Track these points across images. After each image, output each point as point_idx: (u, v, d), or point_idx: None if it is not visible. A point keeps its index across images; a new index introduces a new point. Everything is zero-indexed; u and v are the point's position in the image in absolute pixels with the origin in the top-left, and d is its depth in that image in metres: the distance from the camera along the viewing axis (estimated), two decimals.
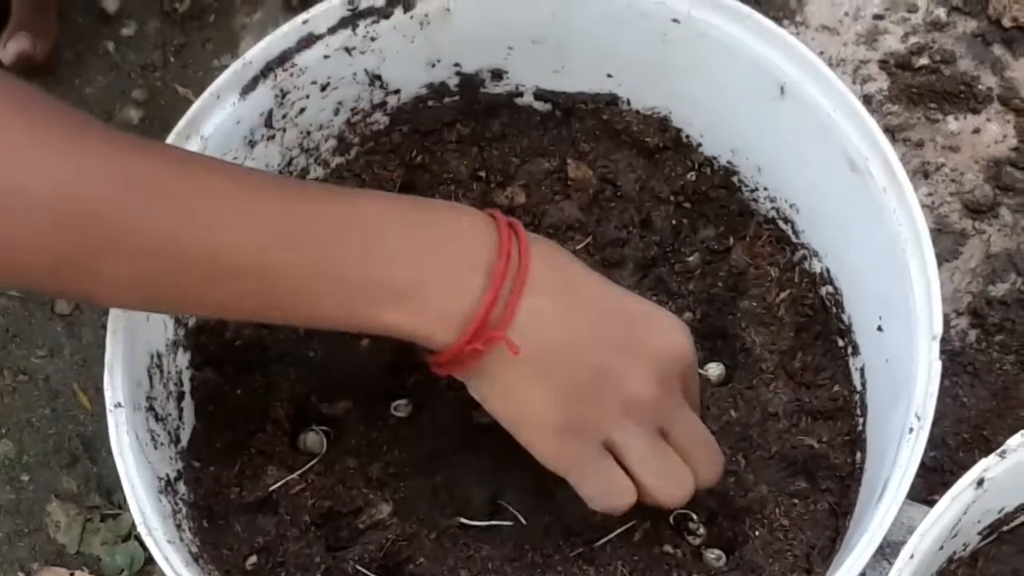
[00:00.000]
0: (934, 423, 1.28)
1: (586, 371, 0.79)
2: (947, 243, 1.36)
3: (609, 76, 0.99)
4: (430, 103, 1.00)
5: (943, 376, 1.29)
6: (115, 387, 0.82)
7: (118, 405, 0.81)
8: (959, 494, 0.81)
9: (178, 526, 0.84)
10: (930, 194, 1.38)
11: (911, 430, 0.81)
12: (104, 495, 1.25)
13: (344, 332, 0.86)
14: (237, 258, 0.73)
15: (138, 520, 0.78)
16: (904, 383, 0.84)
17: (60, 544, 1.25)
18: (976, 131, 1.40)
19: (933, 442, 1.27)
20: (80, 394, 1.27)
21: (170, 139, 0.88)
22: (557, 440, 0.80)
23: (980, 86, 1.40)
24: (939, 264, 1.33)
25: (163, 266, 0.72)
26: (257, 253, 0.73)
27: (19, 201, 0.68)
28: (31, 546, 1.26)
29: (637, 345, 0.81)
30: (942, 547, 0.85)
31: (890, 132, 1.40)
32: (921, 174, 1.39)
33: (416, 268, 0.76)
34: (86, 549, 1.25)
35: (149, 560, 1.22)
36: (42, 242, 0.69)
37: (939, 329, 0.83)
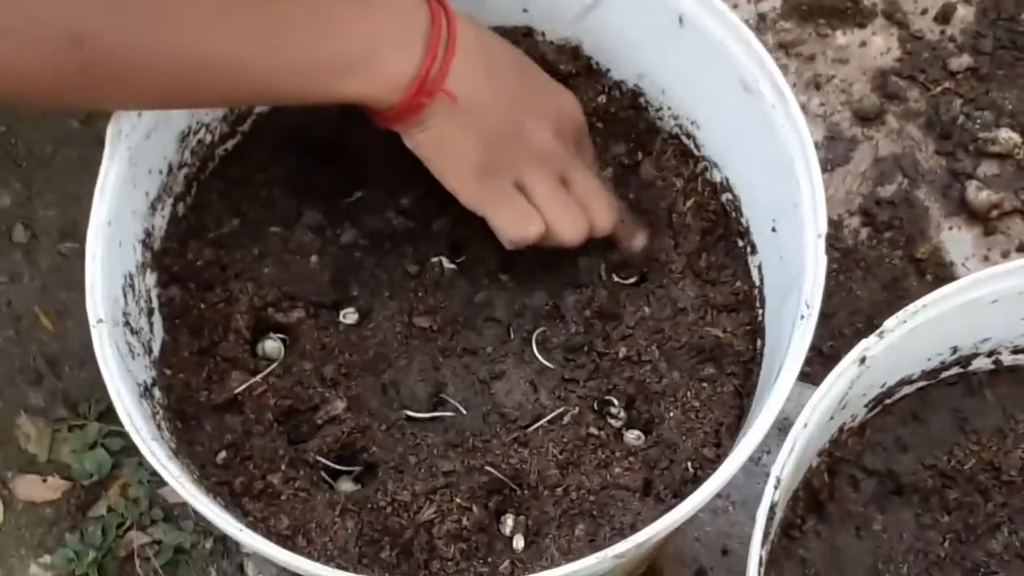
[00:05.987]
0: (831, 316, 1.38)
1: (505, 122, 0.95)
2: (839, 149, 1.45)
3: (524, 11, 1.08)
4: None
5: (838, 272, 1.40)
6: (96, 304, 0.88)
7: (100, 321, 0.88)
8: (844, 371, 0.91)
9: (158, 426, 0.91)
10: (822, 104, 1.47)
11: (802, 317, 0.89)
12: (70, 408, 1.33)
13: (288, 244, 0.99)
14: (215, 57, 0.86)
15: (125, 421, 0.85)
16: (796, 277, 0.92)
17: (32, 454, 1.32)
18: (863, 44, 1.49)
19: (831, 333, 1.37)
20: (42, 316, 1.33)
21: None
22: (478, 180, 0.96)
23: (865, 2, 1.48)
24: (831, 168, 1.44)
25: (156, 74, 0.85)
26: (236, 50, 0.86)
27: (35, 28, 0.80)
28: (4, 457, 1.33)
29: (542, 107, 0.98)
30: (832, 417, 0.95)
31: (784, 47, 1.49)
32: (813, 86, 1.47)
33: (365, 44, 0.90)
34: (56, 457, 1.33)
35: (116, 465, 1.30)
36: (51, 62, 0.81)
37: (823, 228, 0.91)
